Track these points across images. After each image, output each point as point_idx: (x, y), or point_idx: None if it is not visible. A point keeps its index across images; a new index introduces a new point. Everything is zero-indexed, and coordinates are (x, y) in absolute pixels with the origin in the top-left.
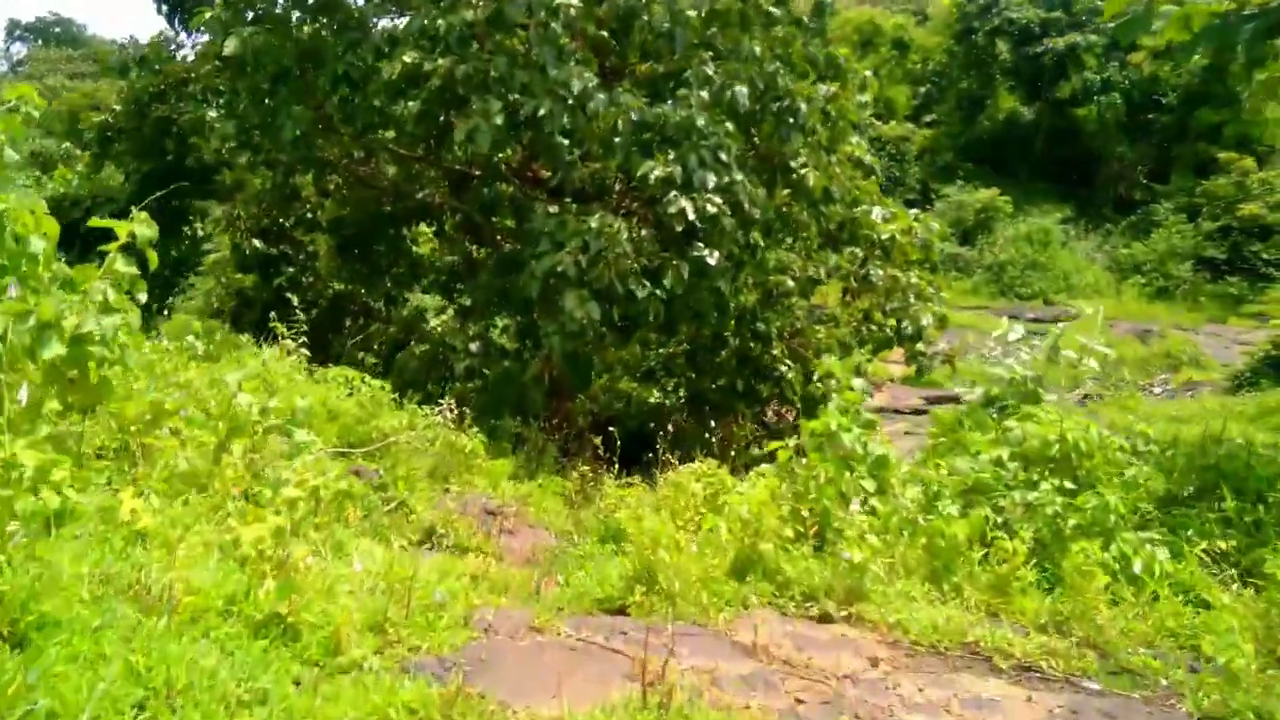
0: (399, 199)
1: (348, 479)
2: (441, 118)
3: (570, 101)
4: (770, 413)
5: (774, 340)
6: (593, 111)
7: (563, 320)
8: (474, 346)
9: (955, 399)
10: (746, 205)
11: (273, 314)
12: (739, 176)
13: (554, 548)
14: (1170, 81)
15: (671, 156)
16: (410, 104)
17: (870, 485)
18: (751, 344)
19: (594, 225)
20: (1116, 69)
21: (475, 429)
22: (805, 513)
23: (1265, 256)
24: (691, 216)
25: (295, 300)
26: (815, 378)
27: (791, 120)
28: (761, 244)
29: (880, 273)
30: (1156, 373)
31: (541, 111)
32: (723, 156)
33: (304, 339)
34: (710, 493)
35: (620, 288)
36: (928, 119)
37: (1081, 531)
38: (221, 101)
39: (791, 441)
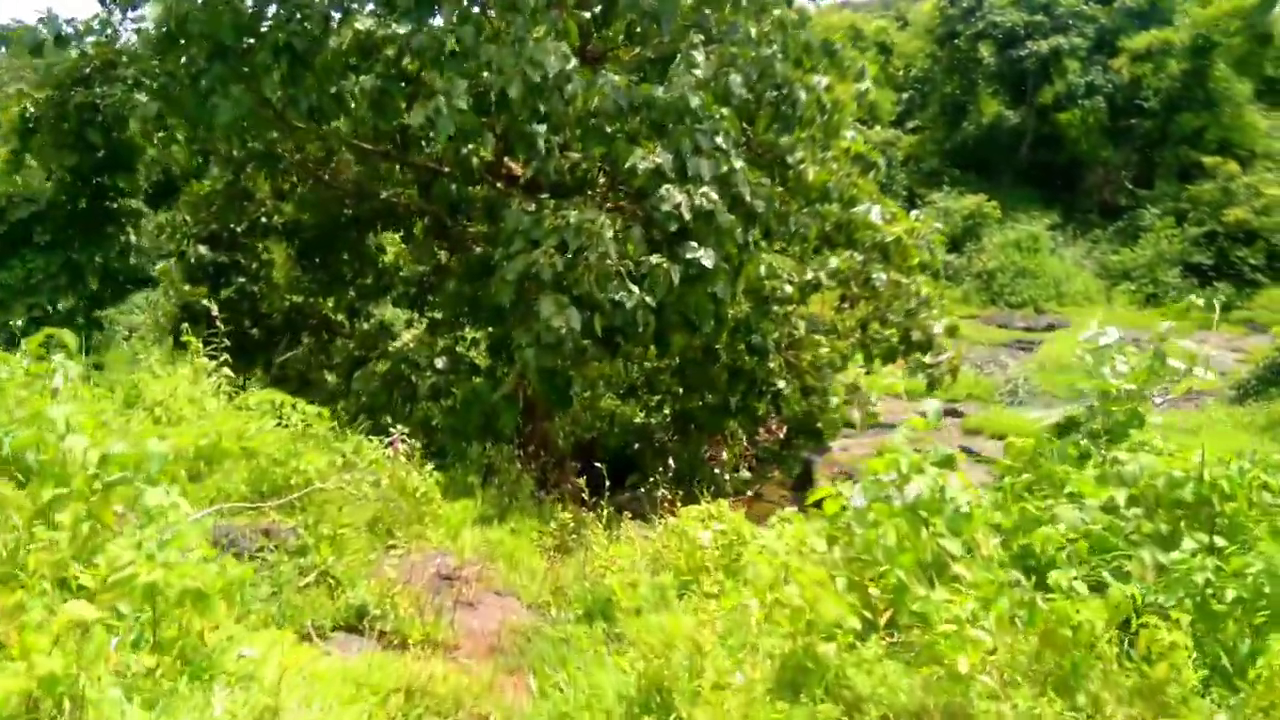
0: (361, 200)
1: (220, 562)
2: (402, 103)
3: (546, 81)
4: (762, 431)
5: (771, 352)
6: (571, 94)
7: (538, 330)
8: (440, 363)
9: (954, 412)
10: (748, 197)
11: (218, 329)
12: (739, 165)
13: (526, 626)
14: (1151, 85)
15: (662, 145)
16: (363, 79)
17: (955, 547)
18: (746, 357)
19: (572, 221)
20: (1099, 72)
21: (433, 465)
22: (870, 587)
23: (1252, 261)
24: (685, 212)
25: (245, 313)
26: (811, 393)
27: (789, 111)
28: (762, 243)
29: (883, 277)
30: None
31: (512, 93)
32: (720, 142)
33: (225, 356)
34: (723, 545)
35: (603, 293)
36: (911, 125)
37: (1243, 607)
38: (155, 85)
39: (796, 469)
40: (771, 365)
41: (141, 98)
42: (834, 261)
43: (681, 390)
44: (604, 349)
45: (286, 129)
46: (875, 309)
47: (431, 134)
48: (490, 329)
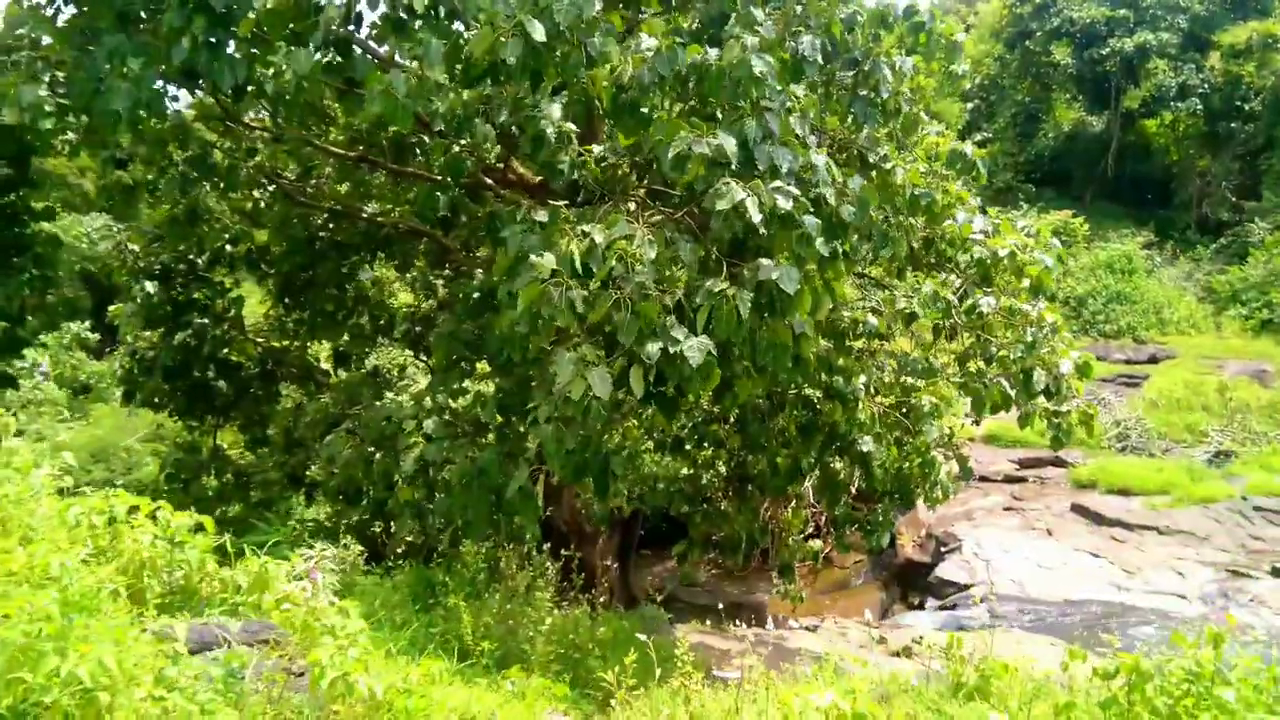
0: (342, 221)
1: None
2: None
3: (557, 36)
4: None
5: (853, 400)
6: (598, 52)
7: (553, 399)
8: (430, 425)
9: (1057, 461)
10: (832, 199)
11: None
12: (821, 158)
13: None
14: (1253, 85)
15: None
16: (299, 53)
17: None
18: (823, 406)
19: (597, 237)
20: (1193, 72)
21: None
22: None
23: None
24: (754, 213)
25: (205, 361)
26: (904, 449)
27: (873, 94)
28: (853, 256)
29: (993, 302)
30: None
31: (509, 55)
32: (796, 126)
33: None
34: None
35: (645, 339)
36: (978, 137)
37: None
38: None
39: (883, 538)
40: (861, 417)
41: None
42: (929, 285)
43: (741, 447)
44: (653, 405)
45: (224, 124)
46: (980, 342)
47: (375, 111)
48: (499, 380)
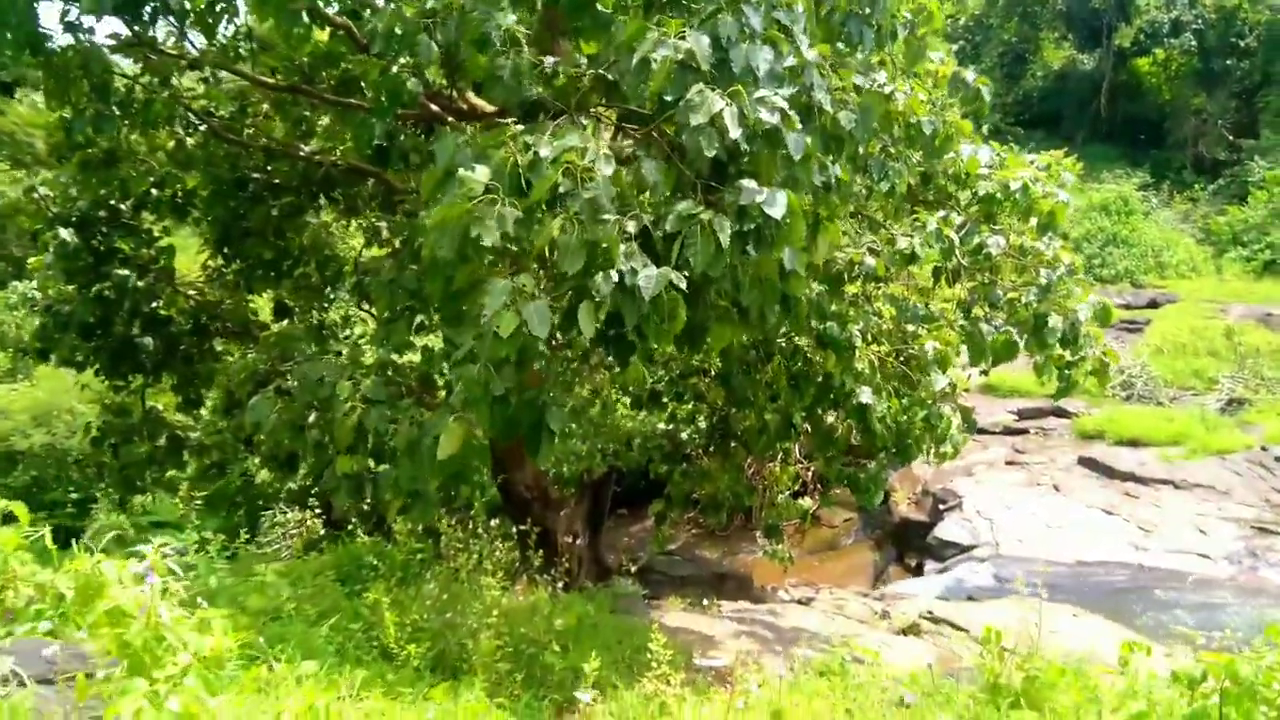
0: (275, 161)
1: None
2: None
3: None
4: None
5: (849, 348)
6: None
7: (480, 336)
8: (369, 385)
9: (1059, 411)
10: (828, 105)
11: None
12: (813, 55)
13: None
14: (1249, 20)
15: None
16: None
17: None
18: (814, 355)
19: (542, 150)
20: (1186, 7)
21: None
22: None
23: None
24: (732, 127)
25: (129, 316)
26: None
27: (867, 10)
28: (848, 181)
29: (1001, 241)
30: None
31: None
32: (784, 19)
33: None
34: None
35: (601, 270)
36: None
37: None
38: None
39: (877, 496)
40: (857, 365)
41: None
42: (932, 222)
43: (725, 402)
44: (614, 348)
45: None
46: (985, 286)
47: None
48: (446, 332)
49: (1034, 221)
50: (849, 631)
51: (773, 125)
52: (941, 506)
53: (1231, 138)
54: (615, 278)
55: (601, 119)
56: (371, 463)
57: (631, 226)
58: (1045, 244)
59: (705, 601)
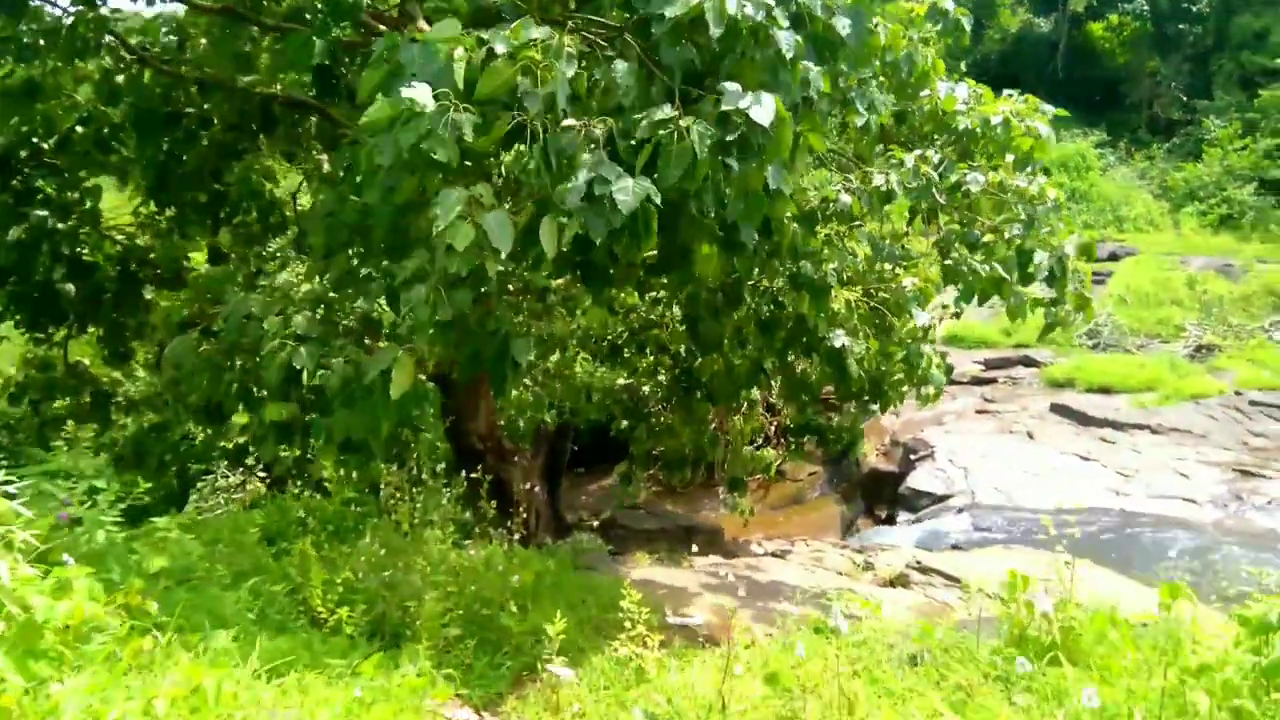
0: (209, 95)
1: None
2: None
3: None
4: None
5: (825, 290)
6: None
7: (434, 254)
8: (300, 321)
9: (1026, 360)
10: (817, 8)
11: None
12: None
13: None
14: None
15: None
16: None
17: None
18: (787, 297)
19: (498, 46)
20: None
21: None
22: None
23: None
24: (715, 29)
25: (52, 262)
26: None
27: None
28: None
29: (980, 178)
30: (1262, 314)
31: None
32: None
33: None
34: None
35: (565, 178)
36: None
37: None
38: None
39: (847, 446)
40: (836, 307)
41: None
42: (910, 158)
43: (685, 349)
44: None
45: None
46: (964, 225)
47: None
48: (388, 264)
49: (1010, 158)
50: (831, 584)
51: (759, 21)
52: (913, 456)
53: (1185, 99)
54: (583, 189)
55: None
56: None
57: (598, 131)
58: (1028, 179)
59: (673, 555)
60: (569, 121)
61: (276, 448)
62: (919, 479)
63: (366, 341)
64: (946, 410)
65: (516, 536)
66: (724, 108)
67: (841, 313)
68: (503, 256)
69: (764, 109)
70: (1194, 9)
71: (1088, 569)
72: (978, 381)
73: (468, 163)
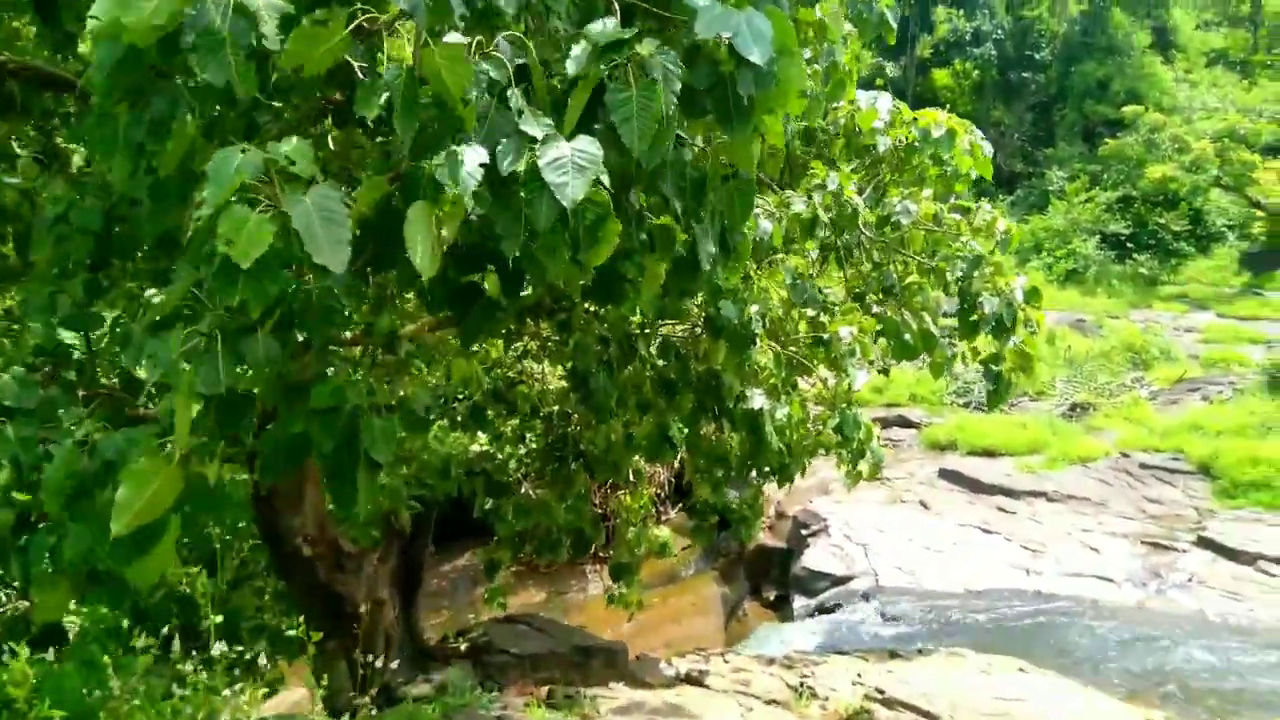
0: None
1: None
2: None
3: None
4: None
5: (747, 336)
6: None
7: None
8: (11, 385)
9: (902, 420)
10: None
11: None
12: None
13: None
14: (1046, 31)
15: None
16: None
17: None
18: (694, 349)
19: None
20: (986, 17)
21: None
22: None
23: (1174, 229)
24: None
25: None
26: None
27: None
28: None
29: (911, 207)
30: (1123, 370)
31: None
32: None
33: None
34: None
35: (444, 131)
36: None
37: None
38: None
39: (752, 533)
40: (758, 359)
41: None
42: (833, 179)
43: (560, 412)
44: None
45: None
46: (883, 262)
47: None
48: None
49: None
50: None
51: None
52: (804, 531)
53: (1030, 149)
54: (480, 157)
55: None
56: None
57: (509, 52)
58: (968, 209)
59: (570, 693)
60: (455, 37)
61: None
62: (815, 558)
63: (123, 406)
64: (831, 478)
65: (358, 680)
66: (698, 33)
67: (768, 368)
68: (337, 272)
69: (758, 35)
70: (1037, 57)
71: (1049, 678)
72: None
73: (280, 105)
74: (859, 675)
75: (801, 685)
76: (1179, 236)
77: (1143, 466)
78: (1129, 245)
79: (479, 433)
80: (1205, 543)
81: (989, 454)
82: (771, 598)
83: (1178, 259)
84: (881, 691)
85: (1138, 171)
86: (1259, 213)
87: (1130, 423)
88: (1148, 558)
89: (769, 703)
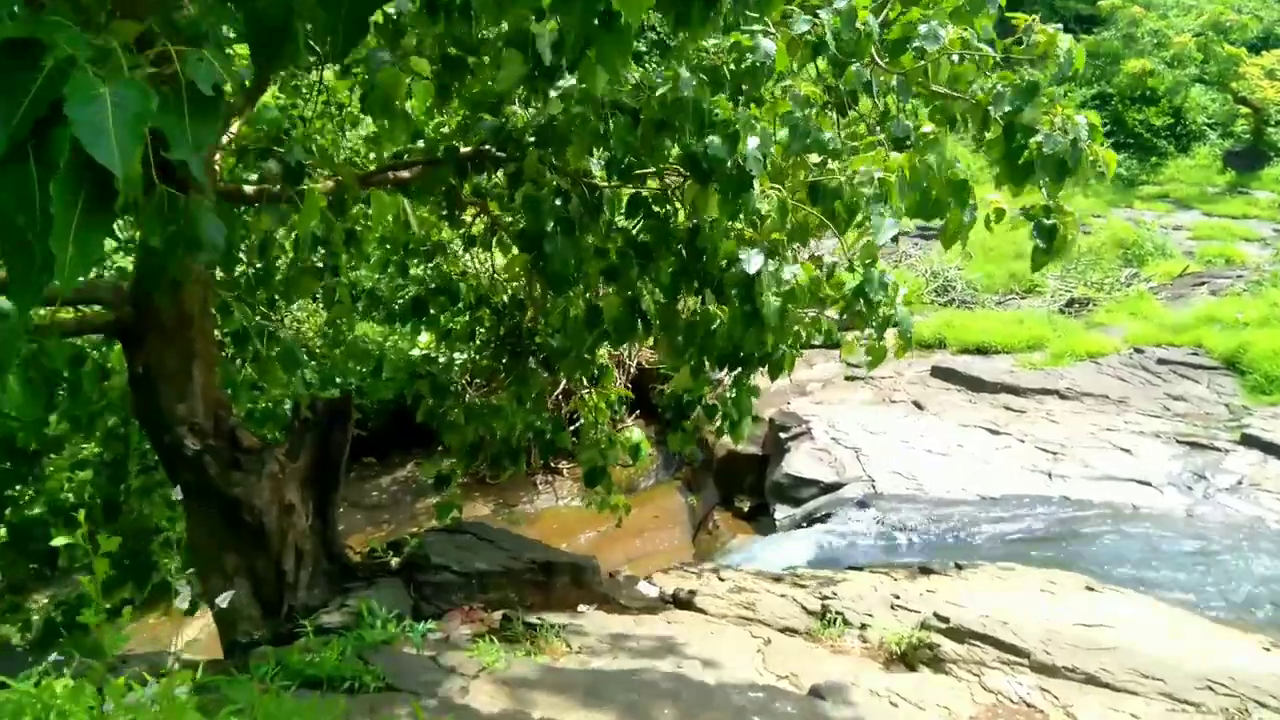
0: None
1: None
2: None
3: None
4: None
5: (749, 183)
6: None
7: None
8: None
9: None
10: None
11: None
12: None
13: None
14: None
15: None
16: None
17: None
18: (674, 197)
19: None
20: None
21: None
22: None
23: (1155, 123)
24: None
25: None
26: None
27: None
28: None
29: (941, 32)
30: (1116, 267)
31: None
32: None
33: None
34: None
35: None
36: None
37: None
38: None
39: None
40: (757, 204)
41: None
42: None
43: (511, 300)
44: None
45: None
46: (895, 113)
47: None
48: None
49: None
50: (804, 670)
51: None
52: (784, 435)
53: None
54: None
55: None
56: None
57: None
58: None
59: (531, 621)
60: None
61: None
62: (799, 463)
63: None
64: (808, 377)
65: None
66: None
67: (771, 218)
68: None
69: None
70: None
71: (1130, 601)
72: (833, 345)
73: None
74: (896, 596)
75: (825, 609)
76: (1159, 134)
77: (1160, 362)
78: (1106, 143)
79: (421, 333)
80: (1251, 440)
81: (982, 351)
82: (746, 509)
83: (1157, 157)
84: (944, 620)
85: (1114, 68)
86: (1244, 110)
87: (1137, 318)
88: (1189, 458)
89: (785, 631)
